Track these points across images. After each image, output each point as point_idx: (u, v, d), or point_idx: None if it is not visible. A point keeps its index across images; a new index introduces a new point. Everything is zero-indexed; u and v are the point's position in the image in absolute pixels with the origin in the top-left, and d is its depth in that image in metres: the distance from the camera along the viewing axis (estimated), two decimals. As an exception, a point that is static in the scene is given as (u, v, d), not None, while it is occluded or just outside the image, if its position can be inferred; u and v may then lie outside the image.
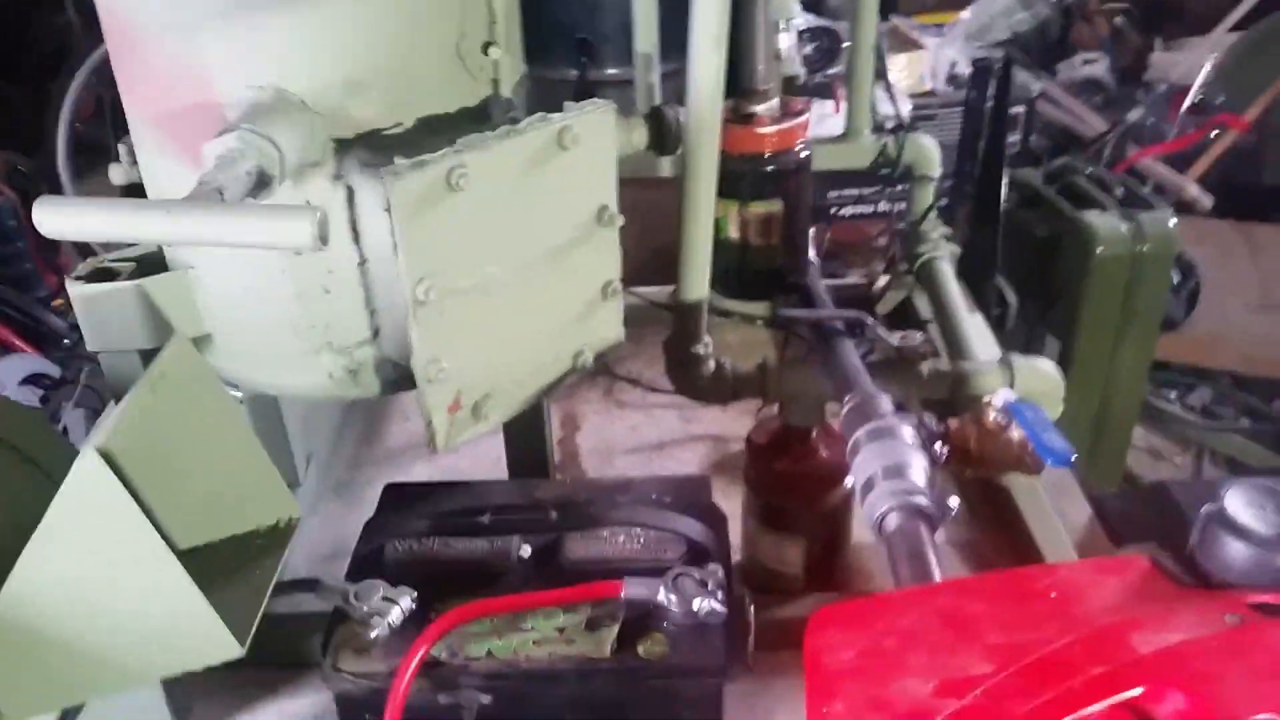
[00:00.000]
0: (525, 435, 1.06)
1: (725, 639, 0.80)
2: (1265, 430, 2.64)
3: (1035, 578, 0.65)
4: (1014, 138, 3.05)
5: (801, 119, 1.15)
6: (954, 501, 0.83)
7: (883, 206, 2.49)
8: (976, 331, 1.43)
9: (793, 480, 1.11)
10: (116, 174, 1.00)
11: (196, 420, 0.77)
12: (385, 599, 0.81)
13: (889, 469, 0.84)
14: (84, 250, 3.35)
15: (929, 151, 1.64)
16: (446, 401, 0.84)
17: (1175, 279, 2.94)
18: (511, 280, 0.86)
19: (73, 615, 0.69)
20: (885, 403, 0.93)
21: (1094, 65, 4.48)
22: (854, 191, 2.37)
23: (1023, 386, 1.14)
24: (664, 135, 1.00)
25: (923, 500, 0.81)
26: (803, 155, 1.16)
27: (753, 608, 0.93)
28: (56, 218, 0.65)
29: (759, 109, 1.14)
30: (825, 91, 2.07)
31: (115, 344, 0.93)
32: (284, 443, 1.20)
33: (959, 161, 1.83)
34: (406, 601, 0.81)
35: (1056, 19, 4.76)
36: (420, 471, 1.39)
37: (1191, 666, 0.52)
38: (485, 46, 0.87)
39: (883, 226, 2.43)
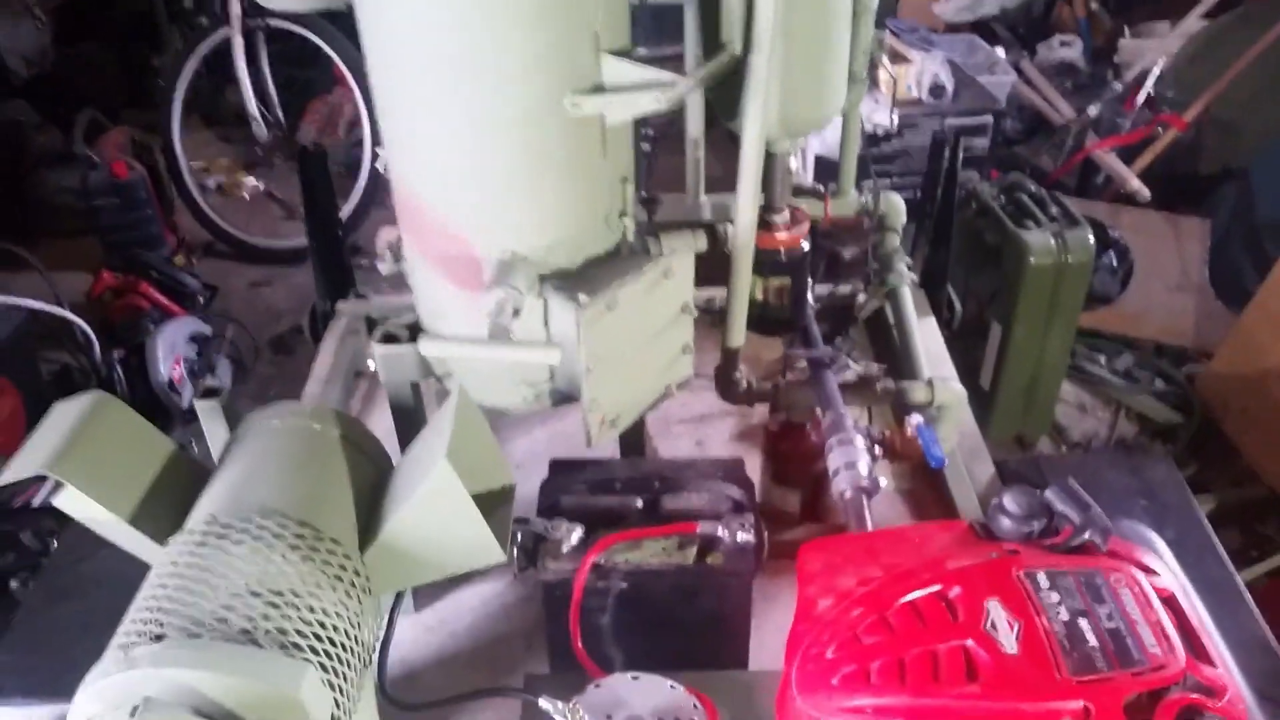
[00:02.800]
0: (633, 431, 1.71)
1: (754, 556, 1.45)
2: (1170, 392, 3.29)
3: (913, 532, 1.31)
4: (984, 140, 3.62)
5: (803, 226, 1.78)
6: (884, 482, 1.49)
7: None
8: (921, 346, 2.05)
9: (792, 455, 1.77)
10: (385, 267, 1.64)
11: (473, 430, 1.41)
12: (569, 529, 1.46)
13: (847, 464, 1.50)
14: (203, 220, 3.98)
15: (898, 206, 2.25)
16: (599, 420, 1.49)
17: (1112, 261, 3.58)
18: (635, 351, 1.50)
19: (423, 540, 1.34)
20: (848, 420, 1.58)
21: (1069, 48, 4.92)
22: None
23: (940, 396, 1.79)
24: (716, 242, 1.64)
25: (864, 483, 1.47)
26: (804, 247, 1.79)
27: (766, 534, 1.59)
28: (437, 348, 1.29)
29: (776, 219, 1.77)
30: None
31: (399, 378, 1.58)
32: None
33: (922, 203, 2.44)
34: (579, 531, 1.46)
35: (1040, -1, 5.21)
36: (538, 435, 2.06)
37: (968, 574, 1.17)
38: (620, 215, 1.50)
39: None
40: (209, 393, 1.49)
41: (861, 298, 2.28)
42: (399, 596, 1.40)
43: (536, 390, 1.55)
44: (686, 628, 1.47)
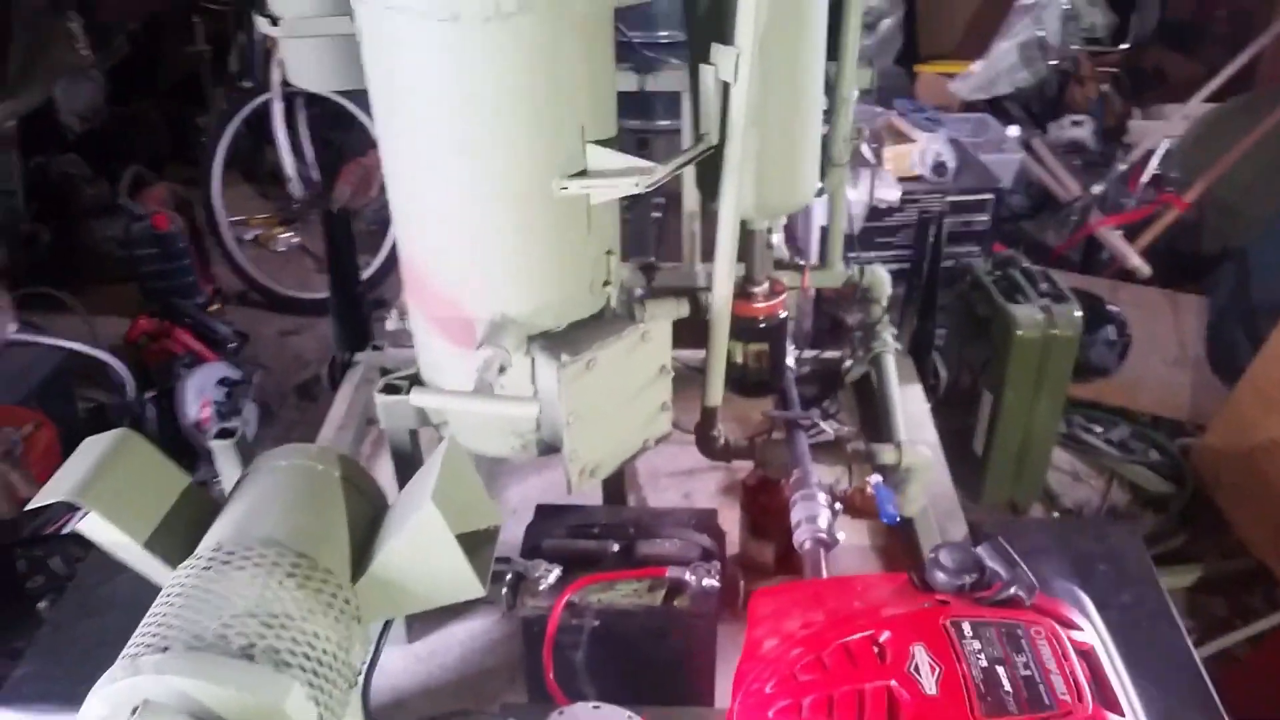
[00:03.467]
0: (615, 481, 1.83)
1: (718, 601, 1.56)
2: (1163, 463, 3.36)
3: (857, 581, 1.42)
4: (984, 216, 3.75)
5: (781, 297, 1.91)
6: (841, 536, 1.60)
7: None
8: (901, 410, 2.17)
9: (768, 509, 1.88)
10: (391, 323, 1.79)
11: (460, 475, 1.54)
12: (547, 569, 1.58)
13: (808, 518, 1.61)
14: (238, 271, 4.14)
15: (882, 279, 2.37)
16: (578, 470, 1.62)
17: (1110, 335, 3.68)
18: (614, 408, 1.63)
19: (409, 573, 1.46)
20: (813, 477, 1.70)
21: (1080, 128, 5.06)
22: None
23: (908, 460, 1.90)
24: (697, 309, 1.78)
25: (823, 535, 1.59)
26: (781, 316, 1.92)
27: (743, 583, 1.71)
28: (426, 399, 1.43)
29: (755, 289, 1.91)
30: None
31: (398, 425, 1.71)
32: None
33: (910, 276, 2.57)
34: (557, 571, 1.58)
35: (1054, 79, 5.36)
36: (534, 484, 2.18)
37: (899, 621, 1.28)
38: (604, 284, 1.63)
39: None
40: (224, 433, 1.64)
41: (849, 363, 2.40)
42: (387, 625, 1.53)
43: (524, 440, 1.67)
44: (654, 665, 1.58)
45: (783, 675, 1.26)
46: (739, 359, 1.94)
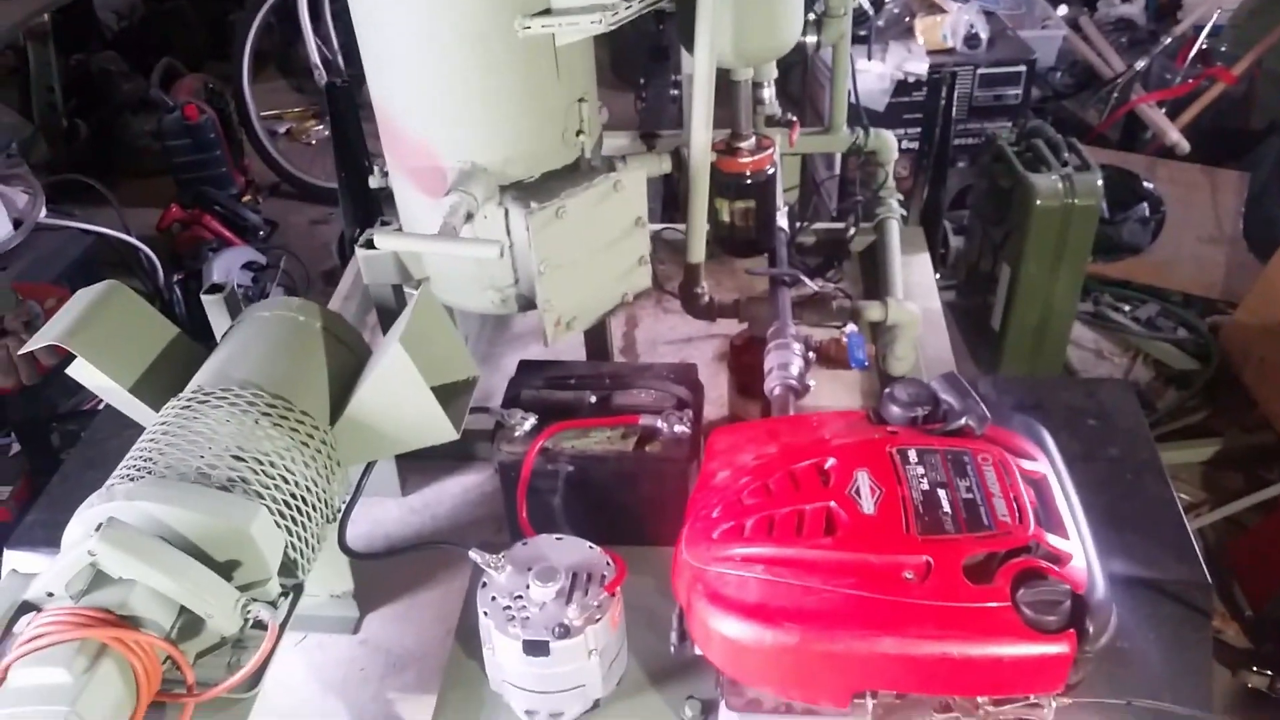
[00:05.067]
0: (596, 335, 1.85)
1: (689, 446, 1.59)
2: (1190, 341, 3.30)
3: (813, 417, 1.43)
4: (1016, 90, 3.65)
5: (768, 152, 1.89)
6: (812, 383, 1.61)
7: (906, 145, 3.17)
8: (900, 275, 2.15)
9: (753, 367, 1.89)
10: (375, 181, 1.81)
11: (433, 325, 1.58)
12: (523, 418, 1.62)
13: (780, 365, 1.62)
14: (269, 162, 4.26)
15: (888, 143, 2.33)
16: (554, 320, 1.64)
17: (1144, 211, 3.59)
18: (589, 258, 1.64)
19: (382, 416, 1.51)
20: (789, 328, 1.71)
21: (1130, 4, 4.86)
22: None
23: (894, 316, 1.89)
24: (680, 166, 1.77)
25: (793, 382, 1.60)
26: (769, 172, 1.91)
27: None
28: (389, 242, 1.45)
29: (741, 145, 1.89)
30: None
31: (380, 280, 1.74)
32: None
33: (922, 143, 2.52)
34: (533, 420, 1.62)
35: (1106, -49, 5.11)
36: (535, 351, 2.22)
37: (846, 449, 1.29)
38: (578, 133, 1.63)
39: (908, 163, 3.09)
40: (214, 289, 1.68)
41: (853, 231, 2.38)
42: (368, 468, 1.58)
43: (502, 294, 1.70)
44: (626, 509, 1.62)
45: (730, 500, 1.29)
46: (726, 217, 1.93)
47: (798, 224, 2.25)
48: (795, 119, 2.07)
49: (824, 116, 2.49)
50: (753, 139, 1.91)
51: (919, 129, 3.47)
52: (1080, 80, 4.45)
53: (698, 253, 1.84)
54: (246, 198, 4.10)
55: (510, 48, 1.48)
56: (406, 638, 1.60)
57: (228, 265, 3.27)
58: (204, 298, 1.68)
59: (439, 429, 1.47)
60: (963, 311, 3.02)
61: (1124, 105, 4.01)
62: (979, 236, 2.99)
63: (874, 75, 3.48)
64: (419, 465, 1.87)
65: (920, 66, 3.49)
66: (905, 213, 2.39)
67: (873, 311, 1.88)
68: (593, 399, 1.68)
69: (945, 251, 2.52)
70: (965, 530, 1.19)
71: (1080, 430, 1.90)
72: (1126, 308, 3.44)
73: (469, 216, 1.52)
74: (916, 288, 2.32)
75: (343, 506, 1.53)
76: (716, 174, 1.86)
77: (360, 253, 1.73)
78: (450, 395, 1.56)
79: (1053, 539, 1.20)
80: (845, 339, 1.69)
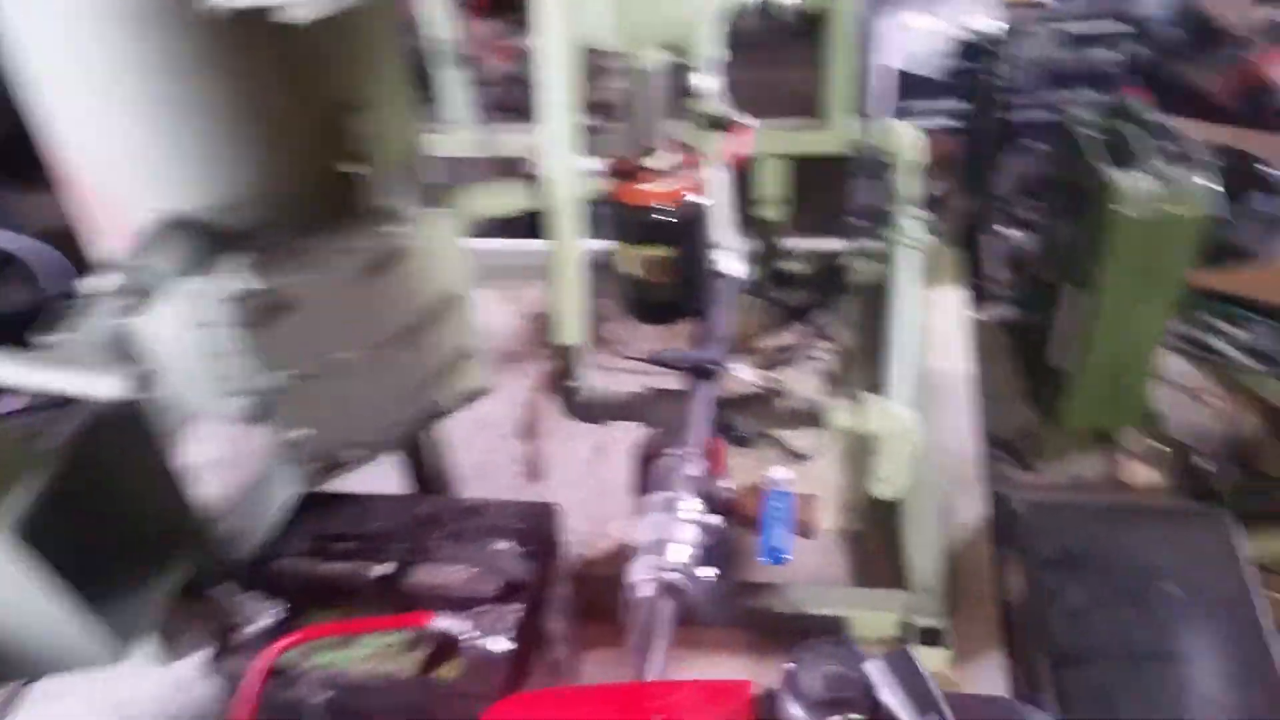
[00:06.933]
0: (424, 456, 1.25)
1: (507, 671, 0.99)
2: (1308, 376, 2.56)
3: (658, 693, 0.81)
4: (1117, 55, 2.93)
5: (693, 173, 1.24)
6: (709, 573, 0.99)
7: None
8: (901, 336, 1.49)
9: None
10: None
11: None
12: (260, 608, 1.04)
13: (656, 541, 0.99)
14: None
15: (908, 139, 1.64)
16: (308, 458, 1.04)
17: (1261, 205, 2.83)
18: (366, 358, 1.04)
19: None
20: (691, 466, 1.07)
21: (1262, -60, 4.02)
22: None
23: (875, 425, 1.25)
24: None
25: (675, 576, 0.97)
26: (696, 202, 1.26)
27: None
28: None
29: (652, 165, 1.24)
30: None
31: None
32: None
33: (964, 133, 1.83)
34: (271, 615, 1.03)
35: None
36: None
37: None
38: (349, 161, 1.02)
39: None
40: None
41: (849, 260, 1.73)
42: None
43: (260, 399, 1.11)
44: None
45: None
46: (630, 269, 1.29)
47: (778, 249, 1.60)
48: (744, 121, 1.39)
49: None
50: (670, 155, 1.26)
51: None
52: (1196, 36, 3.66)
53: (571, 330, 1.22)
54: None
55: (196, 32, 0.87)
56: None
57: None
58: None
59: (83, 648, 0.91)
60: (1021, 332, 2.31)
61: (1249, 68, 3.23)
62: (1044, 244, 2.29)
63: (926, 33, 2.76)
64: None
65: (991, 23, 2.74)
66: (927, 237, 1.72)
67: (838, 417, 1.24)
68: (376, 572, 1.08)
69: (979, 282, 1.85)
70: None
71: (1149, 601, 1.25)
72: (1233, 331, 2.70)
73: (136, 303, 0.92)
74: (938, 339, 1.67)
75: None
76: (614, 209, 1.23)
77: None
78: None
79: None
80: (763, 494, 1.04)
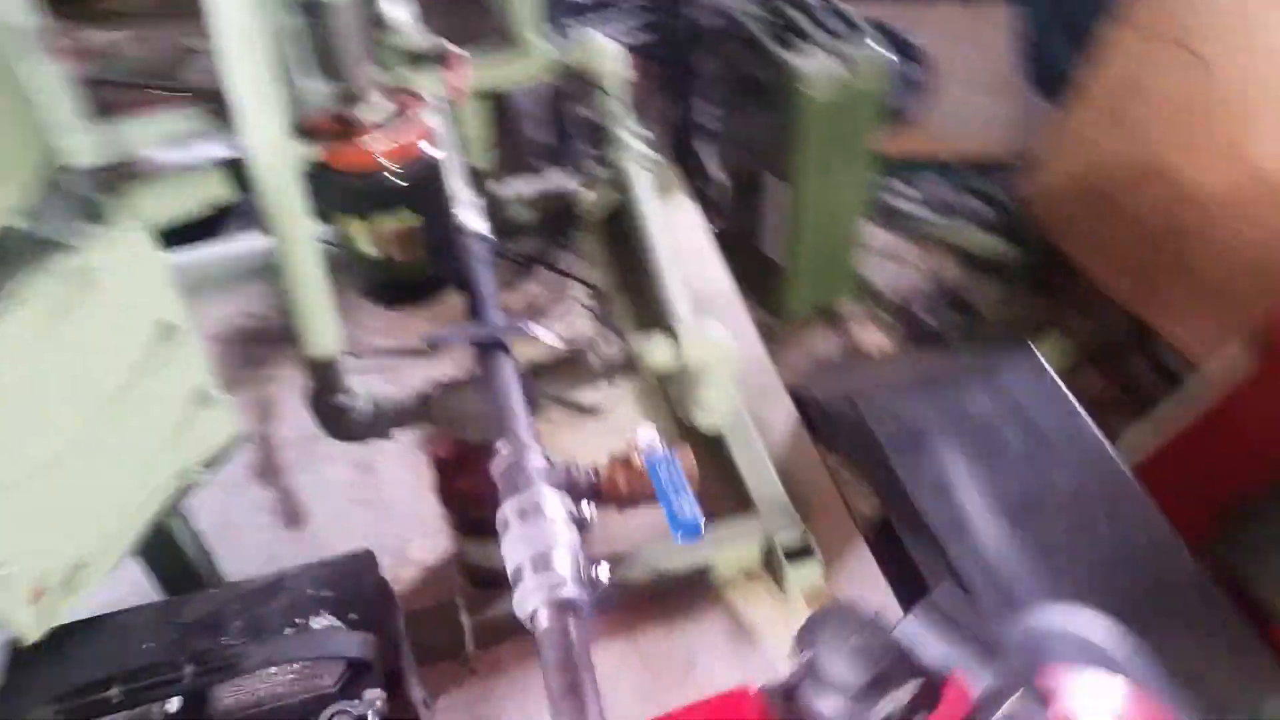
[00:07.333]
0: (164, 558, 0.96)
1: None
2: (995, 218, 2.72)
3: None
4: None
5: (419, 124, 1.02)
6: (605, 573, 0.81)
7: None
8: (665, 248, 1.36)
9: (478, 494, 1.06)
10: None
11: None
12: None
13: (536, 558, 0.80)
14: None
15: (611, 54, 1.49)
16: (22, 596, 0.75)
17: (913, 73, 2.95)
18: (70, 445, 0.75)
19: None
20: (535, 458, 0.88)
21: None
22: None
23: (693, 353, 1.11)
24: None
25: (570, 591, 0.78)
26: (427, 157, 1.04)
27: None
28: None
29: (364, 117, 1.01)
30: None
31: None
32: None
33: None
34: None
35: None
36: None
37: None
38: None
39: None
40: None
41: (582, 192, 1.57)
42: None
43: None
44: None
45: None
46: (364, 247, 1.06)
47: (496, 197, 1.40)
48: (457, 50, 1.17)
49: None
50: (382, 102, 1.03)
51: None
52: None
53: (324, 338, 0.97)
54: None
55: None
56: None
57: None
58: None
59: None
60: (732, 239, 2.25)
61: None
62: (732, 146, 2.24)
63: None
64: None
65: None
66: (653, 153, 1.59)
67: (657, 354, 1.09)
68: (170, 707, 0.81)
69: (704, 185, 1.76)
70: None
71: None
72: (908, 190, 2.81)
73: None
74: (689, 256, 1.55)
75: None
76: (330, 178, 0.99)
77: None
78: None
79: None
80: (640, 459, 0.86)
